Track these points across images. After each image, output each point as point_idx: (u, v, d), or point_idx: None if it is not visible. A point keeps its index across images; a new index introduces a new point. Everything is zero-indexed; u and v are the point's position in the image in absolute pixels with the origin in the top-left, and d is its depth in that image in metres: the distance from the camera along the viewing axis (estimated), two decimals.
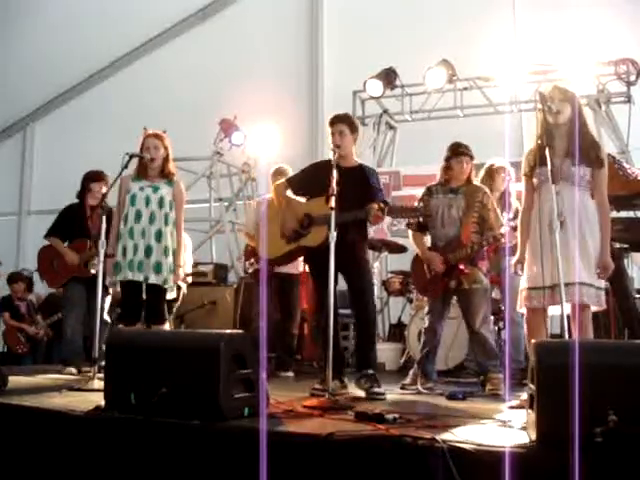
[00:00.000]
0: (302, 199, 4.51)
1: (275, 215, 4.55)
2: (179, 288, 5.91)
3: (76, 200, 5.74)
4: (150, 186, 4.72)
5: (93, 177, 5.67)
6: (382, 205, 4.09)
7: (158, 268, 4.64)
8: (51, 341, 8.07)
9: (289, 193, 4.54)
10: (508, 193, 5.13)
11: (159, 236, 4.66)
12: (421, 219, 4.78)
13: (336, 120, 4.41)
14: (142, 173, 4.75)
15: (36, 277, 8.62)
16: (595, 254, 3.62)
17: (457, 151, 4.75)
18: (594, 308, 3.66)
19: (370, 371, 4.20)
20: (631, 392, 2.41)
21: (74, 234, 5.60)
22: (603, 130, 7.45)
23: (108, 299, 5.62)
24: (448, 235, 4.71)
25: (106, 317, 5.59)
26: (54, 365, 5.84)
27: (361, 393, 4.15)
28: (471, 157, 4.77)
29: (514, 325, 4.97)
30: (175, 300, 5.90)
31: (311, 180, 4.41)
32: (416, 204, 4.92)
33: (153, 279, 4.63)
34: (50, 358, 7.50)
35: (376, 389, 4.10)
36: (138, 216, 4.66)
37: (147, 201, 4.68)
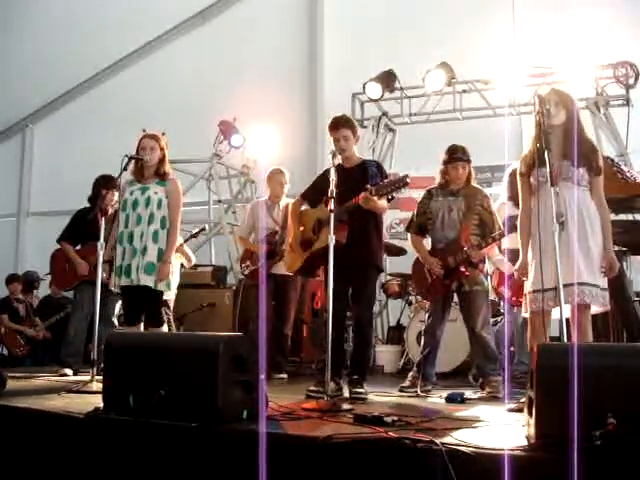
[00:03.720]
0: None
1: (292, 230, 4.66)
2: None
3: (88, 204, 5.77)
4: (140, 188, 4.71)
5: (105, 184, 5.67)
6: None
7: (138, 269, 4.59)
8: (50, 342, 8.06)
9: (305, 207, 4.62)
10: None
11: (141, 237, 4.63)
12: (416, 218, 4.80)
13: (340, 125, 4.43)
14: (138, 175, 4.75)
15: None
16: (597, 254, 3.61)
17: (453, 157, 4.74)
18: (597, 309, 3.66)
19: (355, 376, 4.29)
20: (630, 395, 2.41)
21: (85, 238, 5.62)
22: (602, 133, 7.46)
23: (118, 303, 5.61)
24: (448, 237, 4.72)
25: (114, 320, 5.62)
26: (51, 367, 5.83)
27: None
28: (468, 161, 4.77)
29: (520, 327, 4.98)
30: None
31: (323, 188, 4.42)
32: (413, 215, 4.95)
33: (139, 281, 4.59)
34: (49, 359, 7.49)
35: (358, 389, 4.17)
36: (126, 220, 4.68)
37: (135, 204, 4.67)
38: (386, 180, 4.23)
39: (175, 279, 6.07)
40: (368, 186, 4.14)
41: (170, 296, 5.85)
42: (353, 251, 4.14)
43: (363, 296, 4.40)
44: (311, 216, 4.55)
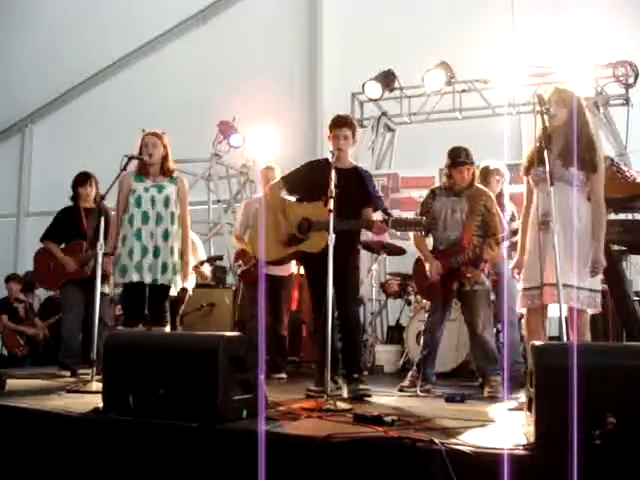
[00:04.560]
0: (292, 198, 4.52)
1: (270, 216, 4.51)
2: (185, 290, 5.90)
3: (71, 203, 5.78)
4: (154, 186, 4.71)
5: (78, 181, 5.73)
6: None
7: (165, 268, 4.63)
8: (49, 342, 8.06)
9: (284, 193, 4.54)
10: (501, 195, 5.15)
11: (166, 236, 4.65)
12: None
13: (342, 124, 4.39)
14: (143, 172, 4.75)
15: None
16: (586, 255, 3.60)
17: (456, 162, 4.72)
18: (589, 311, 3.65)
19: (355, 375, 4.24)
20: (630, 394, 2.41)
21: (70, 236, 5.61)
22: (601, 132, 7.45)
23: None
24: (450, 238, 4.71)
25: (107, 320, 5.60)
26: (51, 367, 5.83)
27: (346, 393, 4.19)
28: (472, 163, 4.75)
29: (511, 328, 4.97)
30: (181, 301, 5.89)
31: (307, 180, 4.40)
32: (415, 214, 4.95)
33: (161, 280, 4.62)
34: (48, 359, 7.49)
35: (361, 386, 4.14)
36: (145, 218, 4.64)
37: (153, 202, 4.67)
38: (404, 216, 4.29)
39: (191, 279, 6.07)
40: (385, 217, 4.17)
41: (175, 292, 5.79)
42: (338, 255, 3.95)
43: (349, 296, 4.35)
44: (296, 211, 4.43)
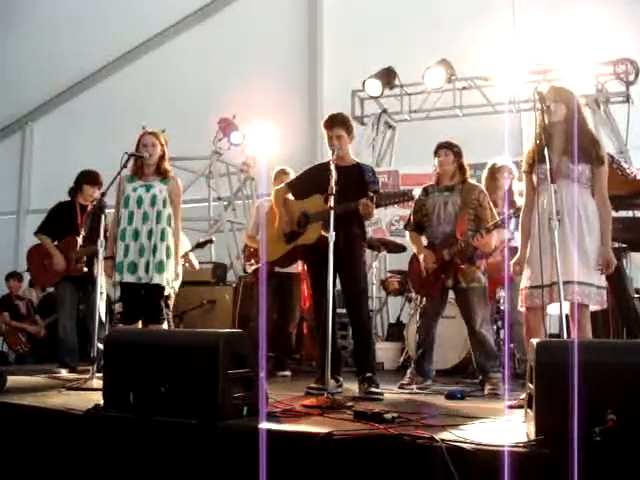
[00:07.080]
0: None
1: (275, 218, 4.56)
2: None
3: (67, 198, 5.75)
4: (143, 186, 4.69)
5: (88, 179, 5.68)
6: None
7: (147, 267, 4.58)
8: (49, 340, 8.06)
9: (289, 197, 4.54)
10: (510, 192, 5.15)
11: (150, 235, 4.61)
12: (413, 216, 4.80)
13: (333, 124, 4.37)
14: (137, 172, 4.74)
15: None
16: (594, 252, 3.61)
17: (435, 151, 4.78)
18: (595, 307, 3.66)
19: (368, 374, 4.21)
20: (630, 391, 2.41)
21: (63, 232, 5.59)
22: (602, 130, 7.45)
23: (104, 299, 5.60)
24: (445, 232, 4.69)
25: (102, 317, 5.59)
26: (52, 364, 5.83)
27: (357, 392, 4.16)
28: (449, 147, 4.75)
29: (519, 325, 4.96)
30: (168, 296, 5.86)
31: (311, 182, 4.41)
32: (410, 212, 4.96)
33: (146, 278, 4.57)
34: (49, 357, 7.50)
35: (373, 389, 4.10)
36: (130, 217, 4.63)
37: (139, 201, 4.65)
38: (389, 191, 4.24)
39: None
40: (370, 193, 4.12)
41: (168, 291, 5.81)
42: (341, 251, 3.96)
43: (357, 291, 4.34)
44: (296, 208, 4.45)
